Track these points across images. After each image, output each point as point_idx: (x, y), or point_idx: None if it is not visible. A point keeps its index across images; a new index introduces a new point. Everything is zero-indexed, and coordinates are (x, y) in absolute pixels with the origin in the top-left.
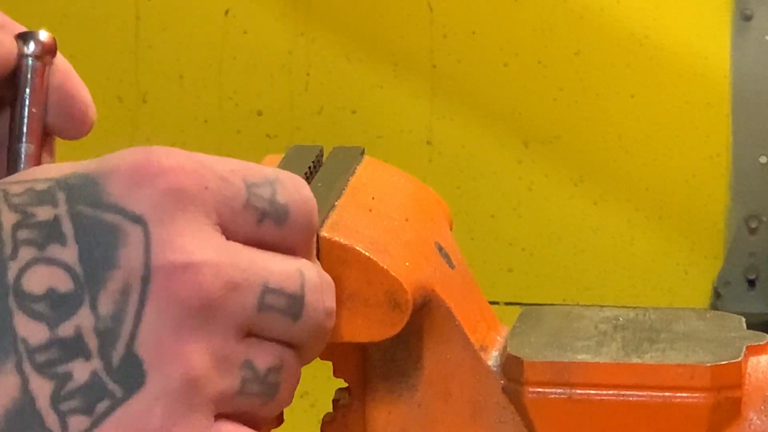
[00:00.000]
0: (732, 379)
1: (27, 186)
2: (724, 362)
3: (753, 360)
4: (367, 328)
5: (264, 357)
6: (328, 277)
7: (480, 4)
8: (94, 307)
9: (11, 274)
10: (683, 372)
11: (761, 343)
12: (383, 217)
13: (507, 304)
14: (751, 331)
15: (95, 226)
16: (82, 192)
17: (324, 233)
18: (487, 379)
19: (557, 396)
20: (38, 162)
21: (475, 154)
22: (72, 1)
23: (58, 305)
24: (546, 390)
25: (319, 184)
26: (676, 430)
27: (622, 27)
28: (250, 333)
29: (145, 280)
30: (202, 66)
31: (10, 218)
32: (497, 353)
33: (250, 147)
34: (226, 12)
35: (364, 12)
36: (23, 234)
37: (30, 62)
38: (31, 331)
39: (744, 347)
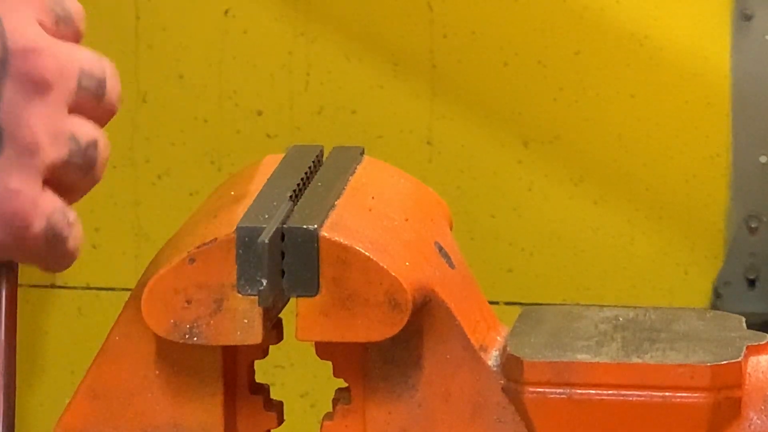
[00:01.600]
0: (732, 379)
1: None
2: (724, 362)
3: (753, 360)
4: (367, 328)
5: (84, 132)
6: (113, 72)
7: (480, 4)
8: None
9: None
10: (683, 372)
11: (761, 343)
12: (383, 217)
13: (507, 304)
14: (751, 331)
15: None
16: None
17: (324, 233)
18: (487, 379)
19: (557, 396)
20: None
21: (475, 154)
22: None
23: None
24: (546, 390)
25: (319, 184)
26: (676, 430)
27: (622, 27)
28: (71, 111)
29: (3, 62)
30: (202, 66)
31: None
32: (497, 353)
33: (250, 147)
34: (226, 12)
35: (364, 12)
36: None
37: None
38: None
39: (744, 347)
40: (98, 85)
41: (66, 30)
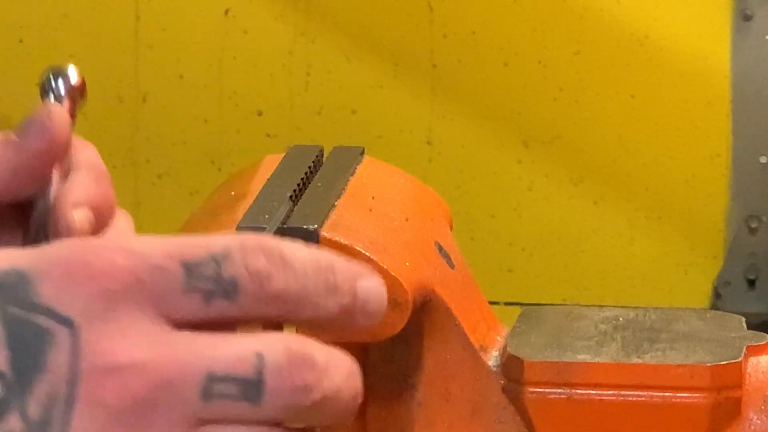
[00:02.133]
0: (732, 379)
1: None
2: (724, 362)
3: (753, 360)
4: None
5: None
6: (301, 348)
7: (480, 4)
8: (23, 412)
9: None
10: (683, 372)
11: (761, 343)
12: (383, 217)
13: (507, 304)
14: (751, 331)
15: (26, 330)
16: (15, 292)
17: (324, 233)
18: (487, 379)
19: (557, 396)
20: None
21: (475, 154)
22: (72, 1)
23: None
24: (546, 390)
25: (319, 184)
26: (676, 430)
27: (622, 27)
28: (204, 421)
29: (71, 384)
30: (202, 66)
31: None
32: (497, 353)
33: (250, 147)
34: (226, 12)
35: (364, 12)
36: None
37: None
38: None
39: (744, 347)
40: (243, 389)
41: (223, 307)
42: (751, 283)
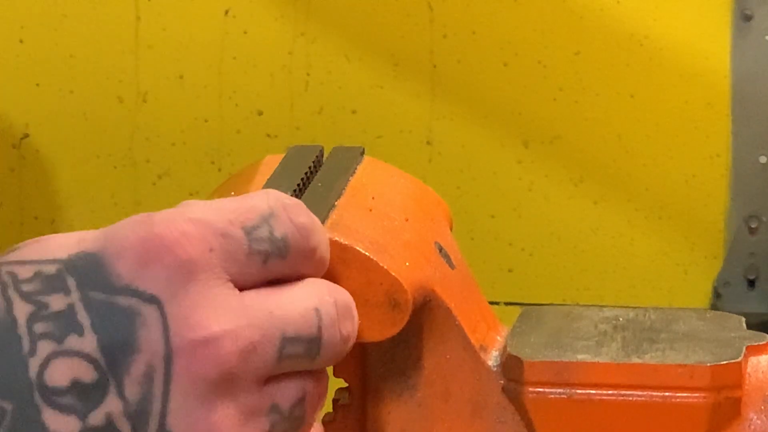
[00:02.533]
0: (732, 379)
1: (35, 269)
2: (724, 362)
3: (753, 360)
4: (367, 328)
5: (287, 396)
6: (344, 298)
7: (480, 4)
8: (120, 392)
9: (33, 371)
10: (683, 372)
11: (761, 343)
12: (383, 217)
13: (507, 304)
14: (751, 331)
15: (110, 312)
16: (92, 276)
17: None
18: (487, 379)
19: (557, 396)
20: None
21: (475, 154)
22: (72, 1)
23: (85, 396)
24: (546, 390)
25: (319, 184)
26: (676, 430)
27: (622, 27)
28: (270, 377)
29: (168, 360)
30: (202, 66)
31: (23, 309)
32: (497, 353)
33: (250, 147)
34: (226, 12)
35: (364, 12)
36: (39, 327)
37: None
38: (61, 424)
39: (744, 347)
40: (308, 348)
41: (278, 266)
42: (751, 283)
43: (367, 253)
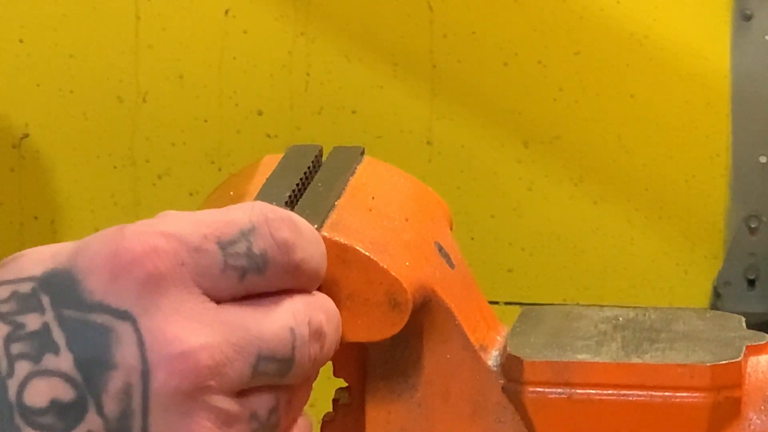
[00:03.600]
0: (732, 379)
1: (11, 289)
2: (724, 362)
3: (753, 360)
4: (367, 328)
5: (263, 405)
6: (318, 319)
7: (480, 4)
8: (100, 410)
9: (12, 392)
10: (683, 372)
11: (761, 343)
12: (383, 217)
13: (507, 304)
14: (751, 331)
15: (85, 329)
16: (65, 293)
17: (324, 233)
18: (487, 379)
19: (557, 396)
20: None
21: (475, 154)
22: (72, 1)
23: (65, 415)
24: (546, 390)
25: (319, 184)
26: (676, 430)
27: (622, 27)
28: (245, 395)
29: (145, 375)
30: (202, 66)
31: (0, 330)
32: (497, 353)
33: (250, 147)
34: (226, 12)
35: (364, 12)
36: (16, 348)
37: None
38: None
39: (744, 347)
40: (280, 366)
41: (255, 282)
42: (751, 283)
43: (367, 253)
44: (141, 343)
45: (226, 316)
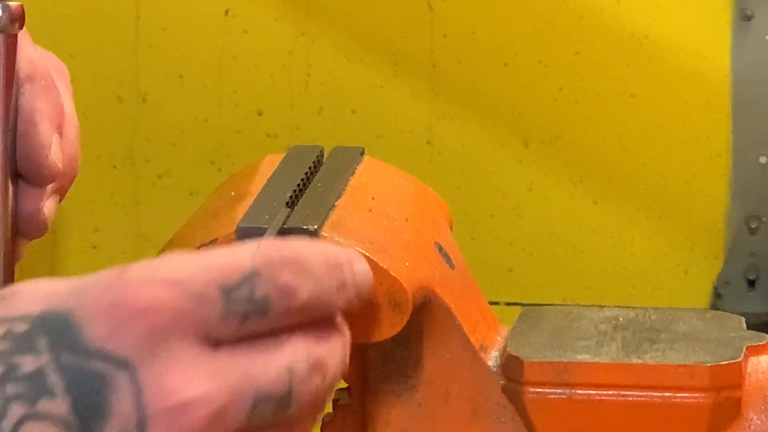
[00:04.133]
0: (732, 379)
1: (6, 327)
2: (724, 362)
3: (753, 360)
4: (367, 328)
5: None
6: (317, 353)
7: (480, 4)
8: None
9: None
10: (683, 372)
11: (761, 343)
12: (383, 217)
13: (507, 304)
14: (751, 331)
15: (83, 376)
16: (64, 337)
17: (324, 233)
18: (487, 379)
19: (557, 396)
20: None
21: (475, 154)
22: (72, 1)
23: None
24: (546, 390)
25: (319, 185)
26: (676, 430)
27: (622, 27)
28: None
29: (141, 426)
30: (202, 66)
31: None
32: (497, 353)
33: (250, 147)
34: (226, 12)
35: (364, 12)
36: (11, 388)
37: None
38: None
39: (744, 347)
40: (278, 405)
41: (256, 324)
42: (751, 283)
43: (367, 253)
44: (138, 394)
45: (224, 361)
